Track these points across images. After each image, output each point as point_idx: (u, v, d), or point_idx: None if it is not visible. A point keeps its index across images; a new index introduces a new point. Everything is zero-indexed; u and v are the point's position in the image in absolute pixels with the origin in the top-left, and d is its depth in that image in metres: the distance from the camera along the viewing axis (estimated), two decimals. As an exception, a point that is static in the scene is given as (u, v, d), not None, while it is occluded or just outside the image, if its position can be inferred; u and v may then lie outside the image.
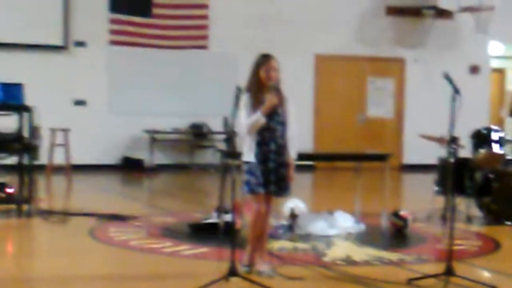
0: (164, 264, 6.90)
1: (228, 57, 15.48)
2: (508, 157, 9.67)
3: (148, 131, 14.93)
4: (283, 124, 6.28)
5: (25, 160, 9.25)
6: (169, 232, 8.26)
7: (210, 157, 15.18)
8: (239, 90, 6.08)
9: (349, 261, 7.00)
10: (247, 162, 6.24)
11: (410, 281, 6.17)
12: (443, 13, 16.66)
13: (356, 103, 16.82)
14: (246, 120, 6.15)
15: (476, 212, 9.50)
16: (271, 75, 6.19)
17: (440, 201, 9.30)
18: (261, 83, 6.22)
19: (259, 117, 6.12)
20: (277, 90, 6.23)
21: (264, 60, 6.23)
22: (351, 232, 8.40)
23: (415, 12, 16.66)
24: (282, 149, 6.26)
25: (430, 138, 9.58)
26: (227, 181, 7.18)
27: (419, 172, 15.34)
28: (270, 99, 6.14)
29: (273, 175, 6.21)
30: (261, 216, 6.28)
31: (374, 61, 16.83)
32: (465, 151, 9.03)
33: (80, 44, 14.96)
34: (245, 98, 6.17)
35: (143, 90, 15.26)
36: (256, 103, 6.18)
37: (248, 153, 6.23)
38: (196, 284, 5.77)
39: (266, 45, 13.80)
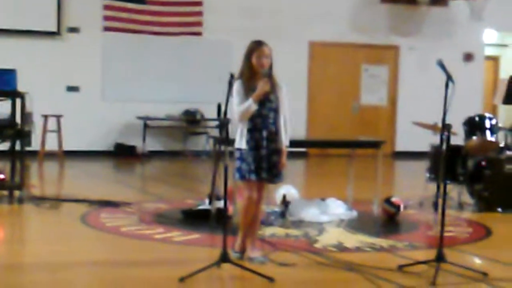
0: (156, 250, 6.90)
1: (222, 44, 15.45)
2: (501, 145, 9.69)
3: (141, 118, 14.92)
4: (275, 111, 6.26)
5: (18, 146, 9.22)
6: (161, 219, 8.26)
7: (203, 143, 15.19)
8: (232, 77, 6.06)
9: (341, 248, 7.01)
10: (238, 149, 6.24)
11: (401, 267, 6.19)
12: (437, 1, 16.65)
13: (350, 90, 16.81)
14: (238, 107, 6.14)
15: (468, 199, 9.53)
16: (263, 62, 6.17)
17: (432, 188, 9.30)
18: (253, 70, 6.19)
19: (250, 104, 6.11)
20: (269, 77, 6.21)
21: (256, 46, 6.20)
22: (343, 218, 8.41)
23: (409, 0, 16.63)
24: (274, 136, 6.25)
25: (424, 125, 9.59)
26: (219, 167, 7.17)
27: (411, 159, 15.37)
28: (261, 86, 6.12)
29: (265, 162, 6.21)
30: (252, 202, 6.27)
31: (369, 49, 16.82)
32: (458, 138, 9.05)
33: (73, 30, 14.90)
34: (237, 85, 6.16)
35: (137, 77, 15.23)
36: (248, 90, 6.16)
37: (240, 139, 6.23)
38: (188, 270, 5.77)
39: (260, 32, 13.76)
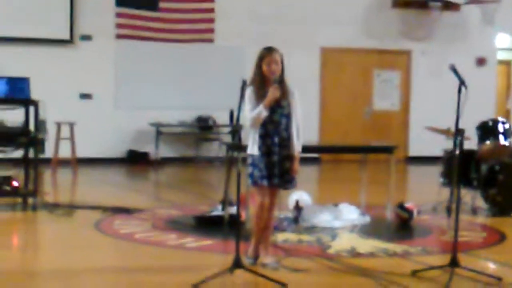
0: (169, 256, 6.91)
1: (234, 51, 15.47)
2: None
3: (153, 124, 14.95)
4: (287, 117, 6.27)
5: (31, 154, 9.27)
6: (174, 225, 8.27)
7: (215, 150, 15.20)
8: (244, 83, 6.08)
9: (354, 253, 7.00)
10: (251, 155, 6.25)
11: (414, 272, 6.17)
12: (449, 5, 16.62)
13: (362, 95, 16.80)
14: (249, 114, 6.16)
15: (481, 204, 9.49)
16: (273, 69, 6.18)
17: (445, 193, 9.29)
18: (264, 77, 6.21)
19: (261, 111, 6.12)
20: (280, 83, 6.22)
21: (266, 53, 6.22)
22: (356, 224, 8.39)
23: (421, 5, 16.61)
24: (286, 142, 6.26)
25: (436, 130, 9.57)
26: (232, 174, 7.18)
27: (424, 164, 15.33)
28: (271, 93, 6.13)
29: (276, 168, 6.21)
30: (264, 208, 6.27)
31: (381, 54, 16.80)
32: (471, 143, 9.03)
33: (86, 38, 14.96)
34: (249, 92, 6.18)
35: (149, 84, 15.27)
36: (259, 96, 6.17)
37: (252, 145, 6.24)
38: (201, 276, 5.78)
39: (272, 38, 13.81)
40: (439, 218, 8.94)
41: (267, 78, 6.20)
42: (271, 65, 6.18)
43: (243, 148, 6.30)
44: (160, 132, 14.98)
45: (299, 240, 7.55)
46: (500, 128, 9.37)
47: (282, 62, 6.25)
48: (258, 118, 6.15)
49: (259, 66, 6.24)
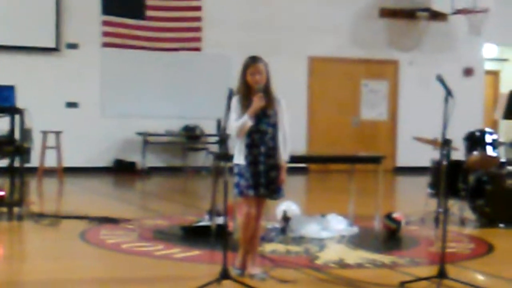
0: (156, 267, 6.85)
1: (221, 59, 15.45)
2: (502, 160, 9.65)
3: (140, 134, 14.89)
4: (273, 126, 6.23)
5: (17, 163, 9.19)
6: (161, 235, 8.21)
7: (203, 159, 15.15)
8: (231, 92, 6.05)
9: (342, 264, 6.96)
10: (237, 164, 6.21)
11: (403, 284, 6.14)
12: (437, 16, 16.67)
13: (350, 105, 16.81)
14: (235, 123, 6.12)
15: (469, 214, 9.48)
16: (256, 79, 6.14)
17: (433, 203, 9.28)
18: (249, 86, 6.18)
19: (246, 120, 6.09)
20: (265, 92, 6.18)
21: (250, 62, 6.18)
22: (344, 234, 8.36)
23: (409, 15, 16.66)
24: (272, 151, 6.22)
25: (424, 140, 9.56)
26: (219, 183, 7.13)
27: (412, 175, 15.33)
28: (256, 102, 6.10)
29: (263, 178, 6.17)
30: (251, 218, 6.23)
31: (368, 64, 16.82)
32: (459, 154, 9.02)
33: (72, 46, 14.90)
34: (234, 101, 6.15)
35: (136, 93, 15.23)
36: (244, 105, 6.14)
37: (238, 155, 6.20)
38: (188, 287, 5.73)
39: (259, 47, 13.76)
40: (427, 228, 8.92)
41: (251, 87, 6.17)
42: (255, 75, 6.15)
43: (230, 158, 6.26)
44: (147, 141, 14.93)
45: (286, 250, 7.51)
46: (488, 138, 9.37)
47: (267, 72, 6.21)
48: (243, 128, 6.11)
49: (243, 75, 6.21)
